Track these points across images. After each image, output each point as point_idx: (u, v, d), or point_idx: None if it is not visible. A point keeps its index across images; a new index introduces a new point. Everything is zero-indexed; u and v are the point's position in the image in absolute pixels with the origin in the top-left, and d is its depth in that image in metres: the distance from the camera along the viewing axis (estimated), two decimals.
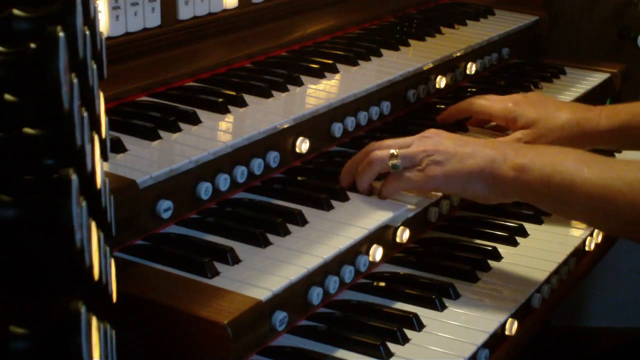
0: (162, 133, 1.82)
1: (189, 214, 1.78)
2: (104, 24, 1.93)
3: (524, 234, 2.15)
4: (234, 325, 1.44)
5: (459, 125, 2.32)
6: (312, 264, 1.66)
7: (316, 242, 1.73)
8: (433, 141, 1.89)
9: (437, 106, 2.47)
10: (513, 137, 2.19)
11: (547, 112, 2.22)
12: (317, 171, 2.02)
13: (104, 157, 1.18)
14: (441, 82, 2.53)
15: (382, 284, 1.86)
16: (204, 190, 1.78)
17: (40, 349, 0.87)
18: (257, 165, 1.90)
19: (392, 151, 1.89)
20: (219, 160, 1.81)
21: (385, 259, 1.94)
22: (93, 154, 1.03)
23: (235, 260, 1.63)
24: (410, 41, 2.57)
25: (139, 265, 1.60)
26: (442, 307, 1.80)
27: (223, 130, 1.91)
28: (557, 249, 2.10)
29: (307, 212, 1.82)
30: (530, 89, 2.69)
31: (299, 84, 2.15)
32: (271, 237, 1.72)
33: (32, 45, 0.95)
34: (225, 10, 2.26)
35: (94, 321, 0.90)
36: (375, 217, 1.85)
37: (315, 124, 2.07)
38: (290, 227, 1.77)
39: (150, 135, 1.79)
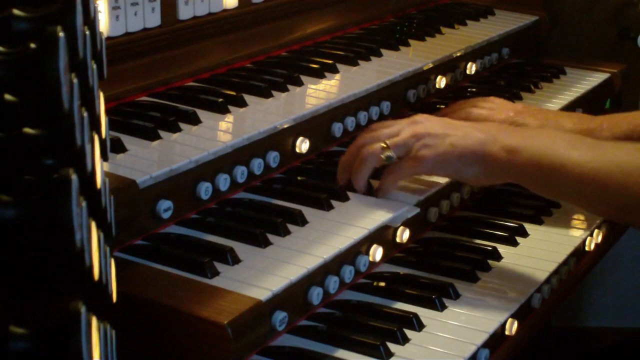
0: (162, 133, 1.82)
1: (189, 214, 1.78)
2: (104, 24, 1.93)
3: (524, 234, 2.15)
4: (234, 325, 1.44)
5: None
6: (312, 264, 1.66)
7: (316, 242, 1.73)
8: (423, 125, 1.90)
9: (437, 106, 2.46)
10: None
11: (549, 121, 2.22)
12: (317, 171, 2.02)
13: (104, 157, 1.18)
14: (441, 82, 2.53)
15: (382, 284, 1.86)
16: (204, 190, 1.78)
17: (40, 349, 0.87)
18: (257, 165, 1.90)
19: (382, 144, 1.89)
20: (219, 160, 1.81)
21: (385, 259, 1.94)
22: (93, 154, 1.03)
23: (235, 260, 1.63)
24: (410, 41, 2.57)
25: (139, 265, 1.60)
26: (442, 307, 1.80)
27: (223, 130, 1.91)
28: (557, 249, 2.10)
29: (307, 212, 1.82)
30: (530, 89, 2.69)
31: (299, 84, 2.15)
32: (271, 237, 1.72)
33: (32, 45, 0.95)
34: (225, 10, 2.26)
35: (94, 321, 0.90)
36: (375, 217, 1.85)
37: (315, 124, 2.07)
38: (290, 227, 1.77)
39: (150, 135, 1.79)
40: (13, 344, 0.86)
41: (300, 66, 2.25)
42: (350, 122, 2.16)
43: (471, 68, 2.68)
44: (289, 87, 2.13)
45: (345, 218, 1.83)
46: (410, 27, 2.71)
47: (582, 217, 2.28)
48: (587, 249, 2.23)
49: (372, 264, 1.89)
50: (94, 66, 1.14)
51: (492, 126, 1.91)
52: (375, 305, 1.78)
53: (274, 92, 2.08)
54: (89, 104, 1.09)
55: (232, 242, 1.69)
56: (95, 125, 1.11)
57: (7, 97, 0.95)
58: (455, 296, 1.84)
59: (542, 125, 2.21)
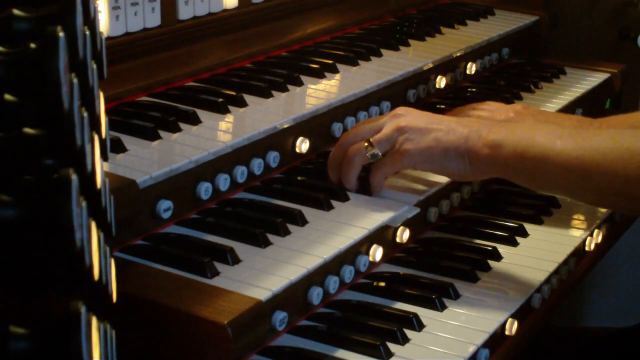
0: (162, 133, 1.82)
1: (189, 214, 1.78)
2: (104, 24, 1.93)
3: (524, 234, 2.15)
4: (234, 325, 1.44)
5: None
6: (312, 264, 1.66)
7: (316, 242, 1.73)
8: (406, 119, 1.90)
9: (437, 106, 2.47)
10: None
11: (550, 121, 2.22)
12: (317, 171, 2.02)
13: (104, 157, 1.18)
14: (441, 82, 2.53)
15: (382, 284, 1.86)
16: (204, 190, 1.78)
17: (40, 349, 0.87)
18: (257, 165, 1.90)
19: (365, 142, 1.90)
20: (219, 160, 1.81)
21: (385, 259, 1.94)
22: (93, 154, 1.03)
23: (235, 260, 1.63)
24: (410, 41, 2.57)
25: (139, 265, 1.60)
26: (442, 307, 1.80)
27: (223, 130, 1.91)
28: (557, 249, 2.10)
29: (307, 212, 1.82)
30: (530, 89, 2.69)
31: (299, 84, 2.15)
32: (271, 237, 1.72)
33: (32, 45, 0.95)
34: (225, 10, 2.26)
35: (94, 321, 0.90)
36: (375, 217, 1.85)
37: (315, 124, 2.07)
38: (290, 227, 1.77)
39: (150, 135, 1.79)
40: (13, 344, 0.86)
41: (300, 66, 2.25)
42: (350, 122, 2.16)
43: (471, 68, 2.68)
44: (289, 87, 2.13)
45: (345, 218, 1.83)
46: (410, 27, 2.71)
47: (582, 217, 2.28)
48: (587, 249, 2.23)
49: (372, 264, 1.89)
50: (94, 66, 1.14)
51: (475, 121, 1.91)
52: (375, 305, 1.78)
53: (274, 92, 2.08)
54: (89, 104, 1.09)
55: (232, 242, 1.69)
56: (95, 125, 1.11)
57: (7, 97, 0.95)
58: (455, 296, 1.84)
59: None
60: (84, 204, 0.91)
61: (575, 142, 1.76)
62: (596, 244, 2.26)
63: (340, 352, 1.63)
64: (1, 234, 0.89)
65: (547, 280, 1.99)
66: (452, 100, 2.48)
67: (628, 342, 2.36)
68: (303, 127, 2.02)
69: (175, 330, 1.47)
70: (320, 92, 2.15)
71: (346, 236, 1.77)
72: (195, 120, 1.89)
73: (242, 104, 2.00)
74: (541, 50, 3.04)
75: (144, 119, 1.85)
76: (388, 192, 1.96)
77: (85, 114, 0.99)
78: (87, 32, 1.09)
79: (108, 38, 1.94)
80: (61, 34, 0.94)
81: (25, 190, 0.91)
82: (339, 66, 2.29)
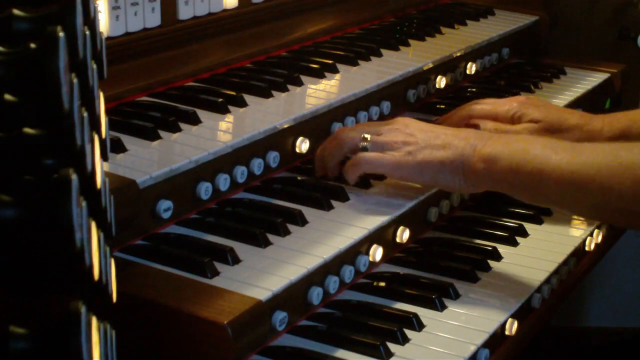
0: (162, 133, 1.82)
1: (189, 214, 1.78)
2: (104, 24, 1.93)
3: (524, 234, 2.15)
4: (234, 325, 1.44)
5: None
6: (312, 264, 1.66)
7: (316, 242, 1.73)
8: (403, 133, 1.90)
9: (437, 106, 2.47)
10: (523, 127, 2.19)
11: (553, 114, 2.23)
12: (315, 165, 2.01)
13: (104, 157, 1.18)
14: (441, 82, 2.53)
15: (382, 284, 1.86)
16: (204, 190, 1.78)
17: (40, 349, 0.87)
18: (257, 165, 1.90)
19: (365, 135, 1.91)
20: (219, 160, 1.81)
21: (385, 259, 1.94)
22: (93, 154, 1.03)
23: (235, 260, 1.63)
24: (410, 41, 2.57)
25: (139, 265, 1.60)
26: (442, 307, 1.80)
27: (223, 130, 1.91)
28: (557, 249, 2.10)
29: (307, 212, 1.82)
30: (530, 89, 2.69)
31: (299, 84, 2.15)
32: (271, 237, 1.72)
33: (32, 45, 0.95)
34: (225, 10, 2.26)
35: (94, 321, 0.90)
36: (375, 217, 1.85)
37: (315, 124, 2.07)
38: (290, 227, 1.77)
39: (150, 135, 1.79)
40: (13, 344, 0.86)
41: (300, 66, 2.25)
42: (350, 122, 2.16)
43: (471, 68, 2.68)
44: (289, 87, 2.13)
45: (345, 218, 1.83)
46: (410, 27, 2.71)
47: (582, 217, 2.28)
48: (587, 249, 2.23)
49: (372, 264, 1.89)
50: (94, 66, 1.14)
51: (471, 134, 1.89)
52: (375, 305, 1.78)
53: (274, 92, 2.08)
54: (89, 104, 1.09)
55: (232, 242, 1.69)
56: (95, 125, 1.11)
57: (7, 97, 0.95)
58: (455, 296, 1.84)
59: (545, 117, 2.21)
60: (84, 204, 0.91)
61: (570, 156, 1.76)
62: (596, 244, 2.26)
63: (340, 352, 1.63)
64: (1, 234, 0.89)
65: (547, 280, 1.99)
66: (452, 100, 2.48)
67: (628, 352, 2.37)
68: (303, 127, 2.02)
69: (175, 330, 1.47)
70: (320, 92, 2.15)
71: (346, 236, 1.77)
72: (195, 120, 1.89)
73: (242, 104, 2.00)
74: (541, 50, 3.04)
75: (144, 119, 1.85)
76: (388, 192, 1.95)
77: (85, 114, 0.99)
78: (87, 32, 1.09)
79: (108, 38, 1.94)
80: (61, 34, 0.94)
81: (25, 190, 0.91)
82: (339, 66, 2.29)
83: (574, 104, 2.67)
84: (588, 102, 2.75)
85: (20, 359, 0.86)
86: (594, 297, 3.65)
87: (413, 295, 1.82)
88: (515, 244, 2.10)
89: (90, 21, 1.13)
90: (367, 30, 2.65)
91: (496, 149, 1.81)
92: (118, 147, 1.73)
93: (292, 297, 1.66)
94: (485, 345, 1.72)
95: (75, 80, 0.97)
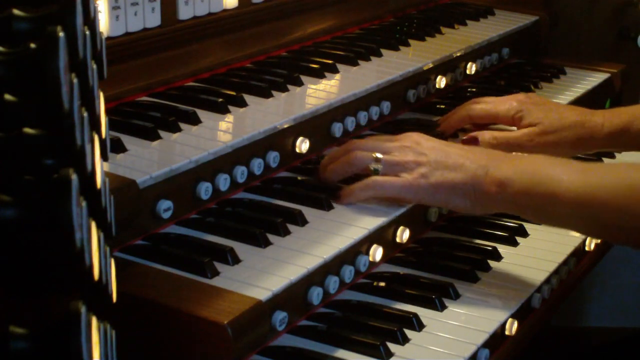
0: (162, 133, 1.82)
1: (189, 214, 1.78)
2: (104, 24, 1.93)
3: (524, 234, 2.15)
4: (234, 325, 1.44)
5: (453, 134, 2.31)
6: (312, 264, 1.66)
7: (316, 242, 1.73)
8: (414, 152, 1.87)
9: (437, 106, 2.47)
10: (522, 133, 2.19)
11: (552, 112, 2.23)
12: (317, 171, 2.01)
13: (104, 157, 1.18)
14: (441, 82, 2.53)
15: (382, 284, 1.86)
16: (204, 190, 1.78)
17: (40, 349, 0.87)
18: (257, 165, 1.90)
19: (376, 155, 1.88)
20: (219, 160, 1.81)
21: (385, 259, 1.94)
22: (93, 154, 1.03)
23: (235, 260, 1.63)
24: (410, 41, 2.57)
25: (139, 265, 1.60)
26: (442, 307, 1.80)
27: (223, 130, 1.91)
28: (557, 249, 2.10)
29: (307, 212, 1.82)
30: (530, 89, 2.69)
31: (299, 84, 2.15)
32: (271, 237, 1.72)
33: (32, 45, 0.95)
34: (225, 10, 2.26)
35: (94, 321, 0.90)
36: (375, 217, 1.85)
37: (315, 124, 2.07)
38: (290, 227, 1.77)
39: (150, 135, 1.79)
40: (13, 344, 0.86)
41: (300, 66, 2.25)
42: (350, 122, 2.16)
43: (471, 68, 2.68)
44: (289, 87, 2.13)
45: (345, 218, 1.83)
46: (410, 27, 2.71)
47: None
48: (587, 249, 2.23)
49: (372, 264, 1.89)
50: (94, 66, 1.14)
51: (483, 155, 1.87)
52: (375, 305, 1.78)
53: (274, 92, 2.08)
54: (89, 104, 1.09)
55: (232, 242, 1.69)
56: (95, 125, 1.11)
57: (7, 97, 0.95)
58: (455, 296, 1.84)
59: (545, 117, 2.21)
60: (84, 204, 0.91)
61: (581, 178, 1.75)
62: (596, 244, 2.26)
63: (340, 352, 1.63)
64: (1, 234, 0.89)
65: (547, 280, 1.99)
66: (452, 100, 2.48)
67: (628, 352, 2.36)
68: (303, 127, 2.02)
69: (175, 330, 1.47)
70: (320, 92, 2.15)
71: (346, 236, 1.77)
72: (195, 120, 1.89)
73: (242, 104, 2.00)
74: (541, 50, 3.04)
75: (144, 119, 1.85)
76: None
77: (85, 114, 0.99)
78: (87, 32, 1.09)
79: (108, 38, 1.94)
80: (61, 34, 0.94)
81: (25, 190, 0.91)
82: (339, 66, 2.29)
83: (574, 104, 2.67)
84: (588, 102, 2.75)
85: (20, 359, 0.86)
86: (594, 297, 3.65)
87: (413, 295, 1.82)
88: (515, 244, 2.10)
89: (90, 21, 1.13)
90: (367, 30, 2.65)
91: (509, 172, 1.80)
92: (118, 147, 1.73)
93: (292, 297, 1.66)
94: (485, 345, 1.72)
95: (75, 80, 0.97)
